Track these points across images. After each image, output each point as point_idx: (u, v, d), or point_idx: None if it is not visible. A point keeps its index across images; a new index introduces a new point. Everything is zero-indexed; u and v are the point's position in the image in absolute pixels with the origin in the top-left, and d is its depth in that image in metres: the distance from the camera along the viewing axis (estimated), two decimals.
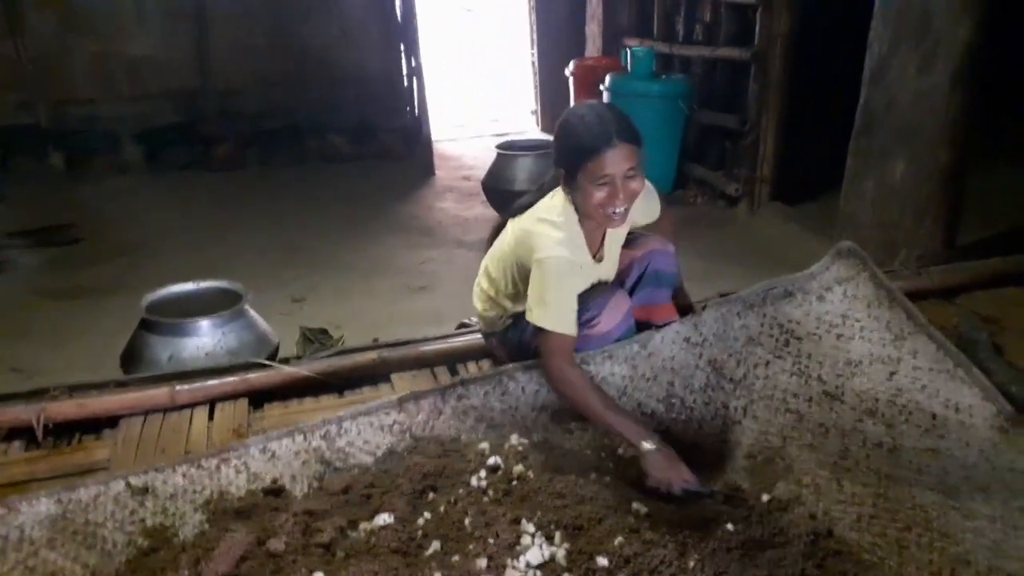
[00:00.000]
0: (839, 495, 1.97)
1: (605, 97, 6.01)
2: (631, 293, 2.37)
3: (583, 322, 2.19)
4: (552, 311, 2.09)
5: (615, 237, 2.34)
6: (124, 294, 4.13)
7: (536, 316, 2.10)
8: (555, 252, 2.10)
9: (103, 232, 5.43)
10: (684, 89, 5.82)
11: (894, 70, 3.47)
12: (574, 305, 2.13)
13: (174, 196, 6.34)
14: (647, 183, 2.32)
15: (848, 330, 2.44)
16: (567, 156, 2.09)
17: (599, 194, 2.03)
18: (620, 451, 2.16)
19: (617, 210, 2.05)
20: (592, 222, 2.19)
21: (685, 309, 2.57)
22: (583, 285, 2.23)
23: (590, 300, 2.22)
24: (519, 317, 2.33)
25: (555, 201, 2.20)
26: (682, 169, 6.09)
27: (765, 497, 1.97)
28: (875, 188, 3.66)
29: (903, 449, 2.12)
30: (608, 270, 2.37)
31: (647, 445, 1.95)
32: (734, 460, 2.16)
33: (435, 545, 1.78)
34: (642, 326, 2.45)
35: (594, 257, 2.27)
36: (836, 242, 3.96)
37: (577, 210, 2.17)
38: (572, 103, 6.66)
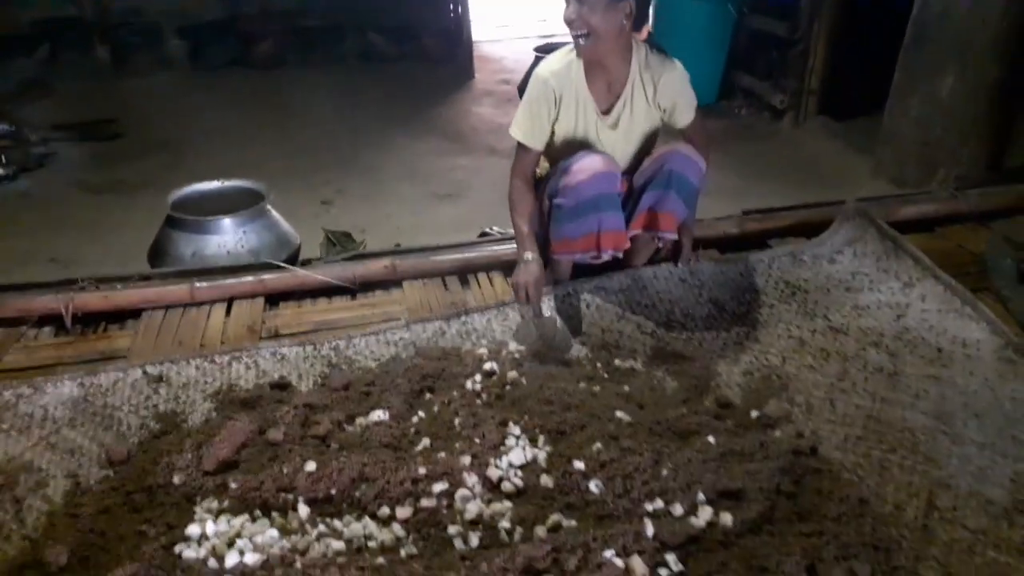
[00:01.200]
0: (830, 415, 1.98)
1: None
2: (643, 190, 2.30)
3: (561, 170, 2.25)
4: (519, 122, 2.33)
5: (634, 104, 2.31)
6: (159, 189, 4.18)
7: (512, 125, 2.35)
8: (540, 71, 2.31)
9: (143, 128, 5.52)
10: None
11: None
12: (540, 124, 2.31)
13: (213, 93, 6.38)
14: (688, 85, 2.30)
15: (857, 284, 2.48)
16: None
17: (564, 11, 2.16)
18: (617, 363, 2.19)
19: (574, 32, 2.16)
20: (601, 73, 2.28)
21: (676, 248, 2.48)
22: (557, 108, 2.30)
23: (575, 153, 2.25)
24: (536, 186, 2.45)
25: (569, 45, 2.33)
26: (729, 77, 5.86)
27: (754, 413, 1.99)
28: (920, 104, 3.50)
29: (904, 375, 2.11)
30: (621, 140, 2.36)
31: (527, 255, 2.27)
32: (730, 375, 2.17)
33: (424, 442, 1.86)
34: (644, 230, 2.39)
35: (604, 112, 2.32)
36: (878, 157, 3.88)
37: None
38: None
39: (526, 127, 2.31)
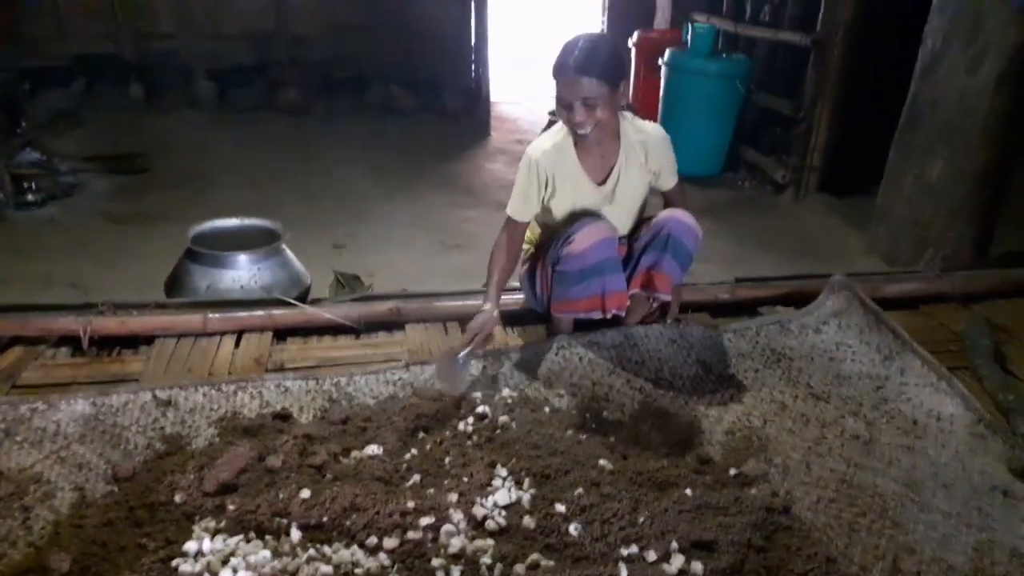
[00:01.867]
0: (805, 477, 2.06)
1: (663, 73, 5.99)
2: (642, 253, 2.44)
3: (563, 240, 2.36)
4: (511, 198, 2.46)
5: (629, 171, 2.44)
6: (180, 222, 4.35)
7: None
8: (529, 151, 2.42)
9: (169, 163, 5.73)
10: (743, 70, 5.77)
11: (944, 67, 3.43)
12: (529, 200, 2.44)
13: (238, 134, 6.62)
14: (668, 141, 2.45)
15: (840, 354, 2.59)
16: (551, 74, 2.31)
17: (562, 113, 2.30)
18: (605, 414, 2.28)
19: (579, 130, 2.28)
20: (594, 147, 2.40)
21: (663, 306, 2.66)
22: (547, 186, 2.42)
23: (575, 223, 2.37)
24: (538, 250, 2.59)
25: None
26: (734, 151, 6.05)
27: (733, 471, 2.07)
28: (912, 184, 3.65)
29: (878, 443, 2.20)
30: (617, 209, 2.49)
31: (487, 306, 2.38)
32: (712, 433, 2.26)
33: (415, 478, 1.95)
34: (642, 288, 2.52)
35: (598, 183, 2.44)
36: (871, 234, 4.02)
37: None
38: (633, 75, 6.64)
39: (516, 203, 2.45)
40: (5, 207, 4.68)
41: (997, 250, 3.66)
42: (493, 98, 7.21)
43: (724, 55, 5.86)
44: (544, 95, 8.70)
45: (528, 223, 2.52)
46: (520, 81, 9.26)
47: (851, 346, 2.61)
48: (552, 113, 5.67)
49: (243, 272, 3.04)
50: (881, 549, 1.82)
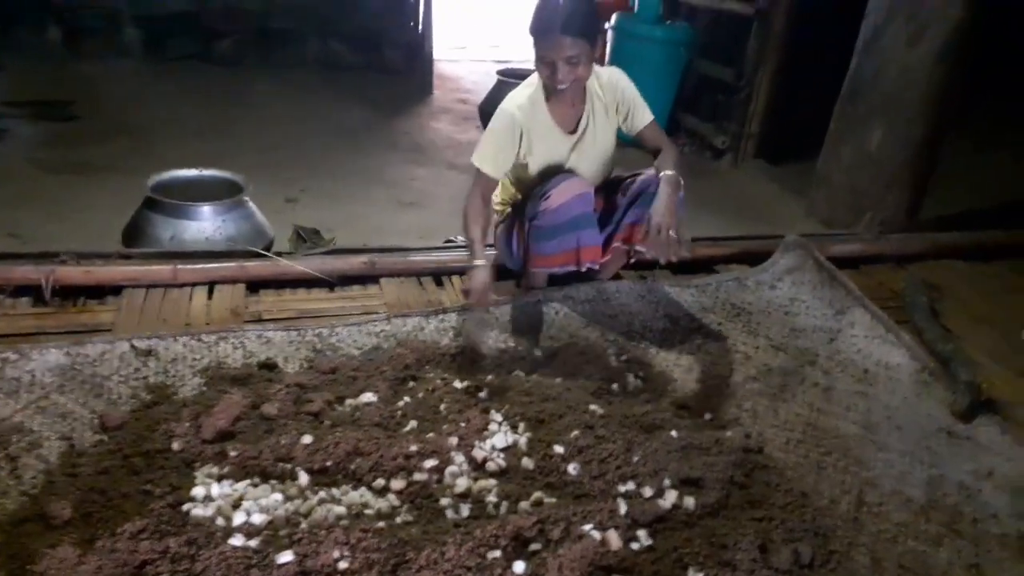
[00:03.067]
0: (773, 420, 2.22)
1: (609, 36, 6.06)
2: (626, 209, 2.53)
3: (539, 196, 2.41)
4: (483, 152, 2.43)
5: (597, 118, 2.50)
6: (122, 174, 4.23)
7: (475, 153, 2.44)
8: (506, 106, 2.43)
9: (101, 112, 5.45)
10: (687, 37, 5.88)
11: (885, 40, 3.62)
12: (504, 155, 2.44)
13: (172, 85, 6.33)
14: (637, 92, 2.51)
15: (795, 309, 2.75)
16: (529, 29, 2.32)
17: (543, 70, 2.32)
18: (585, 366, 2.37)
19: (559, 86, 2.31)
20: (563, 96, 2.43)
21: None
22: (520, 142, 2.43)
23: (551, 179, 2.43)
24: (513, 209, 2.62)
25: (533, 75, 2.47)
26: (675, 117, 6.19)
27: (708, 415, 2.21)
28: (852, 153, 3.85)
29: (836, 390, 2.37)
30: (587, 158, 2.54)
31: (478, 261, 2.36)
32: (685, 382, 2.38)
33: (412, 424, 2.00)
34: (624, 242, 2.62)
35: (569, 131, 2.49)
36: (811, 200, 4.22)
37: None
38: None
39: (490, 158, 2.43)
40: None
41: (927, 215, 3.91)
42: (434, 56, 7.12)
43: (668, 22, 5.97)
44: (484, 55, 8.66)
45: (499, 180, 2.53)
46: (459, 39, 9.17)
47: (805, 301, 2.77)
48: (501, 73, 5.68)
49: (207, 224, 2.98)
50: (847, 484, 1.99)
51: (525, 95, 2.45)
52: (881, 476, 2.02)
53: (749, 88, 5.33)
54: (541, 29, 2.26)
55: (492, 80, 5.77)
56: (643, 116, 2.56)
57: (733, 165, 5.58)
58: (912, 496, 1.96)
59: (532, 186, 2.52)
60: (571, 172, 2.49)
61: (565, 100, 2.46)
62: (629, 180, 2.58)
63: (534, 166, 2.51)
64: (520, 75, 5.61)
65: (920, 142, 3.65)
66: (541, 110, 2.45)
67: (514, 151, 2.46)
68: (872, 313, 2.66)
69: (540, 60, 2.31)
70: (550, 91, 2.41)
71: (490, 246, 2.82)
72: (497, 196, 2.65)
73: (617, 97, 2.51)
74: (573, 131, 2.50)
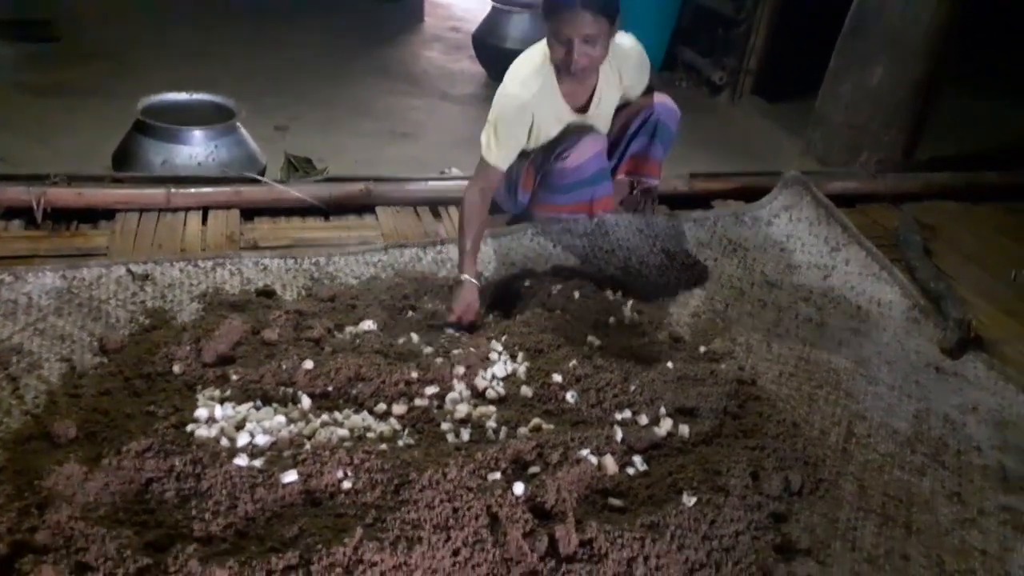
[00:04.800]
0: (767, 354, 2.25)
1: None
2: (630, 140, 2.49)
3: (556, 155, 2.36)
4: (491, 145, 2.27)
5: (607, 91, 2.44)
6: (106, 98, 4.14)
7: (482, 141, 2.29)
8: (511, 90, 2.28)
9: (82, 33, 5.29)
10: None
11: None
12: (514, 146, 2.30)
13: (156, 8, 6.14)
14: (645, 58, 2.45)
15: (791, 245, 2.77)
16: (543, 6, 2.21)
17: (559, 50, 2.17)
18: (576, 294, 2.38)
19: (572, 69, 2.18)
20: (571, 77, 2.32)
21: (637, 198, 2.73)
22: (531, 130, 2.33)
23: (567, 138, 2.37)
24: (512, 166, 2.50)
25: (538, 48, 2.33)
26: (672, 51, 6.09)
27: (702, 348, 2.24)
28: (851, 90, 3.81)
29: (829, 326, 2.41)
30: (598, 123, 2.50)
31: (464, 277, 2.19)
32: (680, 316, 2.41)
33: (413, 349, 2.02)
34: (629, 175, 2.63)
35: (578, 108, 2.40)
36: (808, 138, 4.20)
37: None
38: None
39: (499, 151, 2.27)
40: None
41: (923, 155, 3.91)
42: None
43: None
44: None
45: (504, 172, 2.36)
46: None
47: (801, 238, 2.80)
48: (497, 0, 5.53)
49: (199, 148, 2.94)
50: (837, 416, 2.03)
51: (537, 80, 2.29)
52: (870, 409, 2.06)
53: (748, 22, 5.24)
54: (558, 6, 2.12)
55: (486, 7, 5.63)
56: (641, 87, 2.52)
57: (730, 101, 5.53)
58: (899, 428, 2.01)
59: (538, 147, 2.46)
60: (584, 128, 2.44)
61: (577, 78, 2.33)
62: (627, 110, 2.54)
63: (537, 142, 2.44)
64: (515, 3, 5.48)
65: (920, 80, 3.63)
66: (553, 92, 2.33)
67: (524, 140, 2.35)
68: (867, 251, 2.69)
69: (555, 37, 2.17)
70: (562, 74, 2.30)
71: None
72: None
73: (624, 71, 2.43)
74: (583, 108, 2.42)
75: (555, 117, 2.37)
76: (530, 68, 2.30)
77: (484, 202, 2.30)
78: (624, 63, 2.42)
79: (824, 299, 2.53)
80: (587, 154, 2.34)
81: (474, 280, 2.21)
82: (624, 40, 2.42)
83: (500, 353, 2.01)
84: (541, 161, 2.41)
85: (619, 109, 2.57)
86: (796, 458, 1.82)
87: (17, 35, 5.05)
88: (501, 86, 2.30)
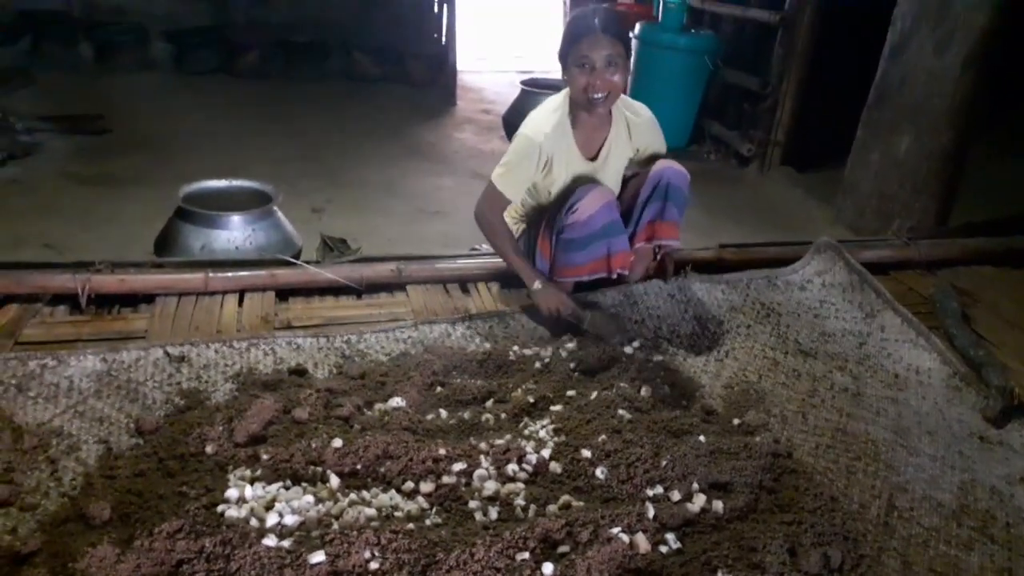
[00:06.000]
0: (802, 426, 2.20)
1: (633, 45, 6.09)
2: (643, 207, 2.53)
3: (566, 210, 2.42)
4: (503, 172, 2.44)
5: (618, 145, 2.53)
6: (151, 186, 4.33)
7: (495, 172, 2.45)
8: (529, 131, 2.43)
9: (129, 125, 5.58)
10: (712, 45, 5.90)
11: (912, 48, 3.61)
12: (525, 180, 2.46)
13: (199, 98, 6.47)
14: (657, 123, 2.53)
15: (825, 311, 2.73)
16: (561, 45, 2.37)
17: (581, 77, 2.31)
18: (614, 371, 2.37)
19: (597, 95, 2.31)
20: (588, 121, 2.45)
21: (661, 266, 2.79)
22: (543, 168, 2.45)
23: (575, 192, 2.44)
24: (530, 225, 2.63)
25: (555, 96, 2.50)
26: (700, 125, 6.20)
27: (736, 421, 2.20)
28: (879, 160, 3.83)
29: (865, 395, 2.35)
30: (607, 178, 2.57)
31: (536, 284, 2.38)
32: (713, 388, 2.38)
33: (441, 425, 2.02)
34: (646, 242, 2.61)
35: (590, 158, 2.50)
36: (838, 206, 4.21)
37: (572, 103, 2.45)
38: None
39: (510, 181, 2.45)
40: None
41: (956, 221, 3.88)
42: (458, 67, 7.19)
43: (692, 31, 5.98)
44: (506, 65, 8.72)
45: (512, 202, 2.53)
46: (481, 50, 9.24)
47: (834, 304, 2.76)
48: (525, 83, 5.71)
49: (237, 233, 3.04)
50: (877, 489, 1.97)
51: (552, 121, 2.44)
52: (912, 481, 2.00)
53: (775, 96, 5.34)
54: (581, 29, 2.30)
55: (515, 91, 5.83)
56: (659, 149, 2.62)
57: (759, 173, 5.58)
58: (943, 501, 1.93)
59: (546, 201, 2.54)
60: (593, 181, 2.51)
61: (587, 124, 2.47)
62: (636, 180, 2.59)
63: (549, 188, 2.54)
64: (544, 85, 5.66)
65: (948, 149, 3.64)
66: (566, 136, 2.46)
67: (535, 177, 2.48)
68: (902, 317, 2.65)
69: (577, 65, 2.32)
70: (580, 108, 2.42)
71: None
72: (509, 213, 2.65)
73: (636, 132, 2.55)
74: (594, 157, 2.53)
75: (567, 160, 2.47)
76: (546, 112, 2.47)
77: (502, 220, 2.49)
78: (635, 120, 2.54)
79: (860, 367, 2.48)
80: (596, 205, 2.39)
81: (544, 279, 2.43)
82: (635, 102, 2.57)
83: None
84: (554, 221, 2.47)
85: (628, 180, 2.61)
86: (835, 533, 1.75)
87: (70, 129, 5.33)
88: (521, 126, 2.47)
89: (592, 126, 2.49)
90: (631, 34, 6.07)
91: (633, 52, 6.17)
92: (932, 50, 3.52)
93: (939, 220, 3.78)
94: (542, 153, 2.41)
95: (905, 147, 3.70)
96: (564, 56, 2.38)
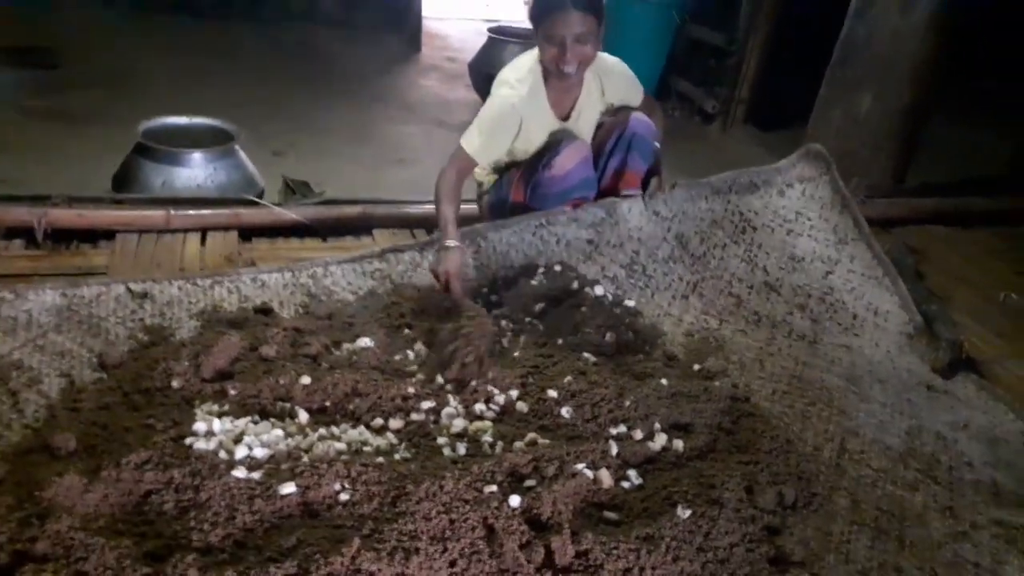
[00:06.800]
0: (760, 373, 2.27)
1: None
2: (608, 157, 2.53)
3: (542, 165, 2.41)
4: (477, 137, 2.33)
5: (589, 104, 2.52)
6: (106, 123, 4.20)
7: (465, 137, 2.35)
8: (500, 91, 2.37)
9: (84, 61, 5.38)
10: (680, 0, 5.88)
11: (878, 6, 3.64)
12: (497, 145, 2.38)
13: (156, 37, 6.25)
14: (633, 75, 2.53)
15: (799, 227, 2.70)
16: (532, 12, 2.30)
17: (551, 50, 2.26)
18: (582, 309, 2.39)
19: (567, 68, 2.27)
20: (559, 83, 2.40)
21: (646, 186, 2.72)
22: (517, 133, 2.40)
23: (552, 147, 2.43)
24: (500, 174, 2.59)
25: (526, 56, 2.44)
26: (665, 80, 6.20)
27: (696, 367, 2.26)
28: (841, 118, 3.89)
29: (822, 343, 2.43)
30: (580, 134, 2.55)
31: (449, 242, 2.22)
32: (675, 335, 2.43)
33: (411, 369, 2.03)
34: (609, 193, 2.64)
35: (562, 118, 2.48)
36: None
37: (543, 66, 2.39)
38: None
39: (480, 145, 2.35)
40: None
41: (913, 181, 3.97)
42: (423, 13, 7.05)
43: None
44: (474, 14, 8.57)
45: (479, 164, 2.46)
46: None
47: (810, 220, 2.73)
48: (492, 31, 5.63)
49: (199, 171, 2.98)
50: (830, 432, 2.05)
51: (525, 85, 2.39)
52: (862, 426, 2.08)
53: (740, 53, 5.35)
54: (550, 5, 2.21)
55: (482, 39, 5.74)
56: (635, 101, 2.59)
57: (722, 130, 5.62)
58: (891, 444, 2.02)
59: (518, 157, 2.52)
60: (567, 134, 2.49)
61: (563, 85, 2.43)
62: (601, 130, 2.59)
63: (522, 146, 2.51)
64: (511, 34, 5.59)
65: (909, 108, 3.70)
66: (540, 98, 2.42)
67: (508, 142, 2.43)
68: (875, 252, 2.64)
69: (547, 39, 2.26)
70: (551, 75, 2.38)
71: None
72: (481, 168, 2.61)
73: (609, 86, 2.52)
74: (566, 117, 2.51)
75: (540, 123, 2.44)
76: (518, 73, 2.40)
77: (459, 182, 2.35)
78: (607, 76, 2.51)
79: (821, 306, 2.50)
80: (572, 161, 2.40)
81: (460, 245, 2.24)
82: (608, 56, 2.52)
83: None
84: (529, 172, 2.46)
85: (598, 128, 2.61)
86: (790, 473, 1.83)
87: (20, 62, 5.12)
88: (493, 88, 2.40)
89: (564, 87, 2.45)
90: None
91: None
92: (898, 9, 3.55)
93: (896, 179, 3.87)
94: (515, 115, 2.37)
95: (867, 106, 3.76)
96: (535, 24, 2.31)
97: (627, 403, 1.92)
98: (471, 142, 2.35)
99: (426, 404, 1.88)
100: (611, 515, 1.61)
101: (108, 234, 2.61)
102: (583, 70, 2.38)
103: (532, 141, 2.48)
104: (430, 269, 2.29)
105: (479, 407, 1.91)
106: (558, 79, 2.39)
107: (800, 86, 4.46)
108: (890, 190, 3.71)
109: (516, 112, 2.36)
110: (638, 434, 1.85)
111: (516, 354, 2.13)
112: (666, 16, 5.83)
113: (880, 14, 3.66)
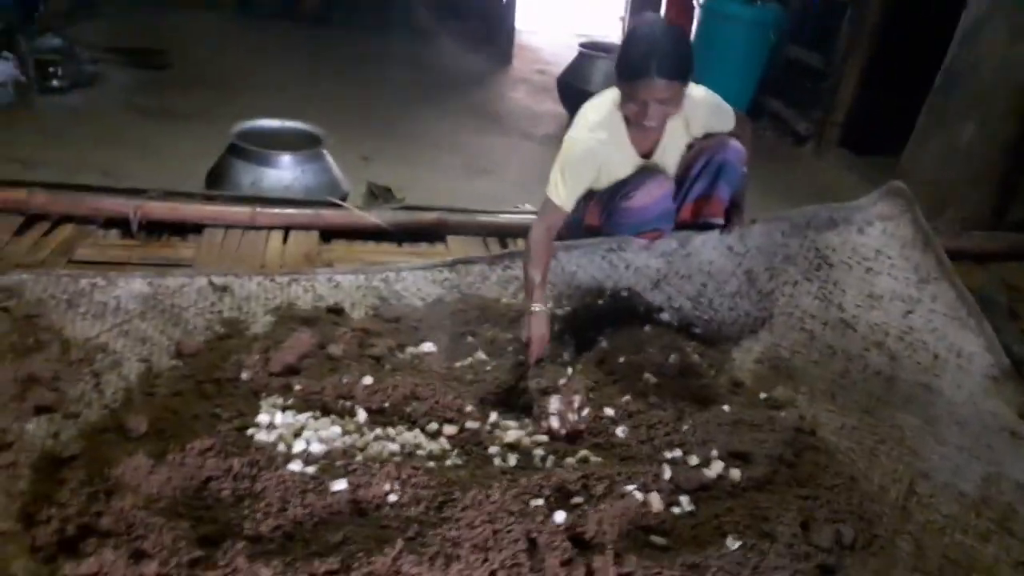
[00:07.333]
0: (829, 406, 2.19)
1: (697, 14, 5.97)
2: (694, 180, 2.46)
3: (622, 195, 2.35)
4: (558, 186, 2.24)
5: (672, 141, 2.43)
6: (208, 122, 4.40)
7: (549, 187, 2.27)
8: (580, 135, 2.27)
9: (191, 62, 5.67)
10: (776, 19, 5.75)
11: (985, 34, 3.48)
12: (579, 188, 2.28)
13: (259, 41, 6.54)
14: (722, 102, 2.44)
15: (878, 265, 2.56)
16: (617, 66, 2.19)
17: (632, 107, 2.17)
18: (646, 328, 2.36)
19: (648, 123, 2.18)
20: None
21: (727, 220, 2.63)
22: (599, 172, 2.33)
23: (633, 178, 2.36)
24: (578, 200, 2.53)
25: (608, 94, 2.33)
26: (758, 100, 6.07)
27: (763, 395, 2.20)
28: (940, 147, 3.73)
29: (899, 380, 2.31)
30: (664, 169, 2.47)
31: (535, 307, 2.13)
32: (743, 362, 2.37)
33: (470, 375, 2.06)
34: (691, 215, 2.55)
35: (644, 154, 2.39)
36: None
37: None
38: (662, 14, 6.59)
39: (565, 192, 2.25)
40: (30, 91, 4.64)
41: (1013, 216, 3.76)
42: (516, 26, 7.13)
43: (758, 3, 5.83)
44: (567, 26, 8.61)
45: (568, 212, 2.31)
46: (542, 11, 9.13)
47: (890, 258, 2.58)
48: (584, 46, 5.64)
49: (287, 172, 3.09)
50: (899, 473, 1.96)
51: (605, 125, 2.30)
52: (935, 468, 1.98)
53: (837, 75, 5.19)
54: (636, 70, 2.10)
55: (572, 52, 5.75)
56: (723, 128, 2.47)
57: (815, 153, 5.46)
58: (965, 490, 1.92)
59: (600, 187, 2.44)
60: (652, 167, 2.41)
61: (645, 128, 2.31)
62: (690, 153, 2.50)
63: (605, 180, 2.42)
64: (602, 48, 5.59)
65: (1013, 140, 3.52)
66: (621, 137, 2.34)
67: (589, 182, 2.35)
68: (958, 291, 2.46)
69: (628, 97, 2.17)
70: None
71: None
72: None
73: (694, 120, 2.39)
74: (648, 154, 2.41)
75: (622, 160, 2.37)
76: (599, 114, 2.31)
77: (549, 239, 2.28)
78: (693, 111, 2.37)
79: (899, 344, 2.37)
80: (653, 197, 2.35)
81: (545, 310, 2.17)
82: (695, 91, 2.35)
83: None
84: (607, 199, 2.42)
85: (688, 147, 2.54)
86: (851, 511, 1.76)
87: (133, 61, 5.44)
88: (570, 129, 2.32)
89: (646, 129, 2.32)
90: (696, 2, 5.96)
91: (697, 21, 6.10)
92: (1007, 37, 3.39)
93: (994, 213, 3.67)
94: (595, 158, 2.30)
95: (969, 136, 3.59)
96: (618, 77, 2.20)
97: (685, 427, 1.89)
98: (557, 193, 2.25)
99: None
100: (658, 540, 1.59)
101: (197, 228, 2.73)
102: (665, 123, 2.30)
103: (614, 175, 2.40)
104: (514, 336, 2.22)
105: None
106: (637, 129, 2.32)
107: (897, 111, 4.30)
108: (988, 224, 3.53)
109: (594, 155, 2.29)
110: (694, 459, 1.82)
111: (576, 369, 2.13)
112: (761, 35, 5.71)
113: (987, 42, 3.50)
